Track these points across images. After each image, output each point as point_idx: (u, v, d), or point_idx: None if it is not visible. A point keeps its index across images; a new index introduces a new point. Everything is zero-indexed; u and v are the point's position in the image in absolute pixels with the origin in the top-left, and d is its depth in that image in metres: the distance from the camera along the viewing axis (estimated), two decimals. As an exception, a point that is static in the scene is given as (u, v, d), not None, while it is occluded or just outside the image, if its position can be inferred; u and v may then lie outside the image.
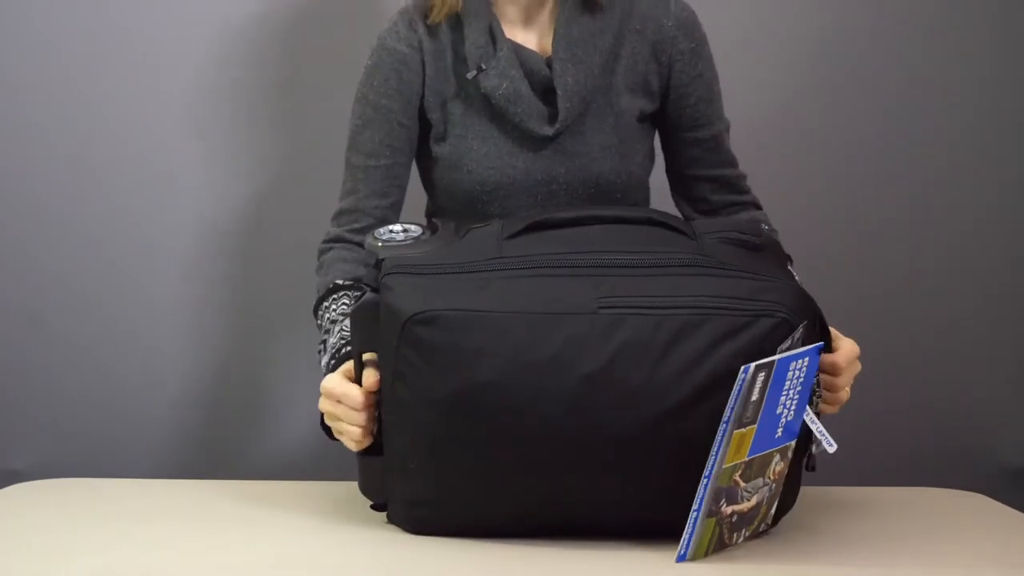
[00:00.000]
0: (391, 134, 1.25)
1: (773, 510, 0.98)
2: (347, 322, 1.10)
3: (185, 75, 1.72)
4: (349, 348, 1.06)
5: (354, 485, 1.07)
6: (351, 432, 1.03)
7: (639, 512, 0.97)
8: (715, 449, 0.88)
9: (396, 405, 0.98)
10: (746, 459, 0.90)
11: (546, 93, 1.22)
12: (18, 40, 1.70)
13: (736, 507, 0.92)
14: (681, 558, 0.92)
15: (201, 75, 1.72)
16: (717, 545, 0.94)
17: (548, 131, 1.22)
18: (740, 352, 0.91)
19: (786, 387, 0.90)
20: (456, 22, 1.24)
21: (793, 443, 0.95)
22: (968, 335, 1.78)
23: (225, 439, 1.76)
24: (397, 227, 1.07)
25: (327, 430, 1.09)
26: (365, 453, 1.04)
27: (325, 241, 1.30)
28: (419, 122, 1.27)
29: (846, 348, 1.07)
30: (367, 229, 1.16)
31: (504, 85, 1.20)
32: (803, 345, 0.93)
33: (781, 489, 0.97)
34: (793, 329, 0.93)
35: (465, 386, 0.93)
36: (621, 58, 1.24)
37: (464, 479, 0.97)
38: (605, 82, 1.23)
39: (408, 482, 1.00)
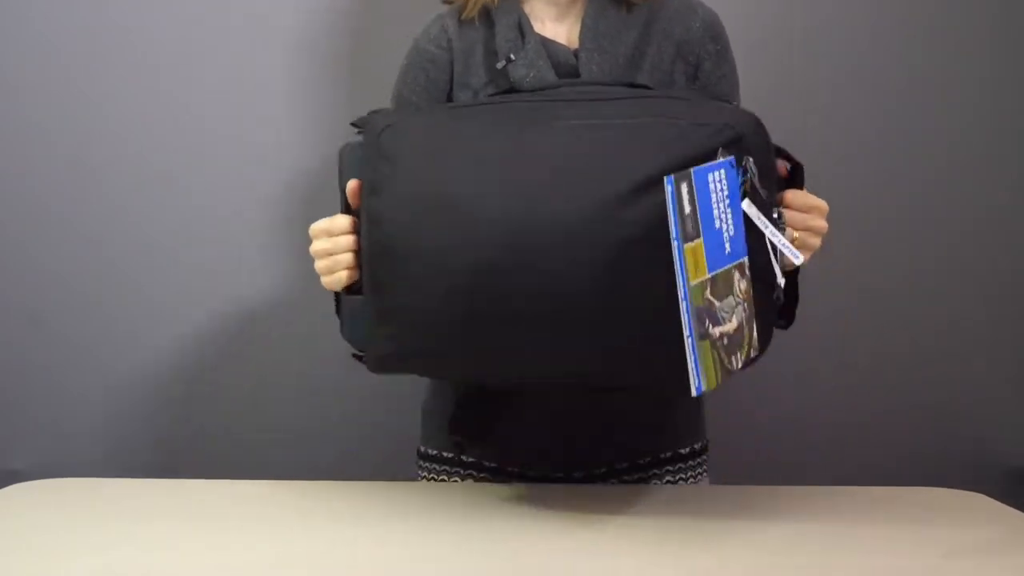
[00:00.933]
0: None
1: (756, 334, 0.97)
2: None
3: (185, 75, 1.72)
4: None
5: (354, 485, 1.07)
6: (342, 260, 1.08)
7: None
8: (678, 268, 0.89)
9: (369, 220, 1.05)
10: (708, 276, 0.91)
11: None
12: (18, 40, 1.70)
13: (722, 328, 0.92)
14: (698, 390, 0.89)
15: (201, 75, 1.72)
16: (722, 372, 0.92)
17: None
18: (685, 160, 0.95)
19: (713, 200, 0.93)
20: (489, 20, 1.28)
21: (745, 260, 0.96)
22: (968, 335, 1.78)
23: (225, 439, 1.76)
24: None
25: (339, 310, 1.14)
26: (349, 293, 1.10)
27: None
28: None
29: (809, 195, 1.09)
30: None
31: (531, 74, 1.22)
32: (761, 176, 0.97)
33: (755, 311, 0.96)
34: (739, 139, 0.97)
35: (432, 187, 1.00)
36: (647, 56, 1.26)
37: (432, 284, 1.00)
38: (630, 76, 1.25)
39: (378, 299, 1.04)
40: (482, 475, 1.31)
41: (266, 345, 1.77)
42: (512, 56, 1.24)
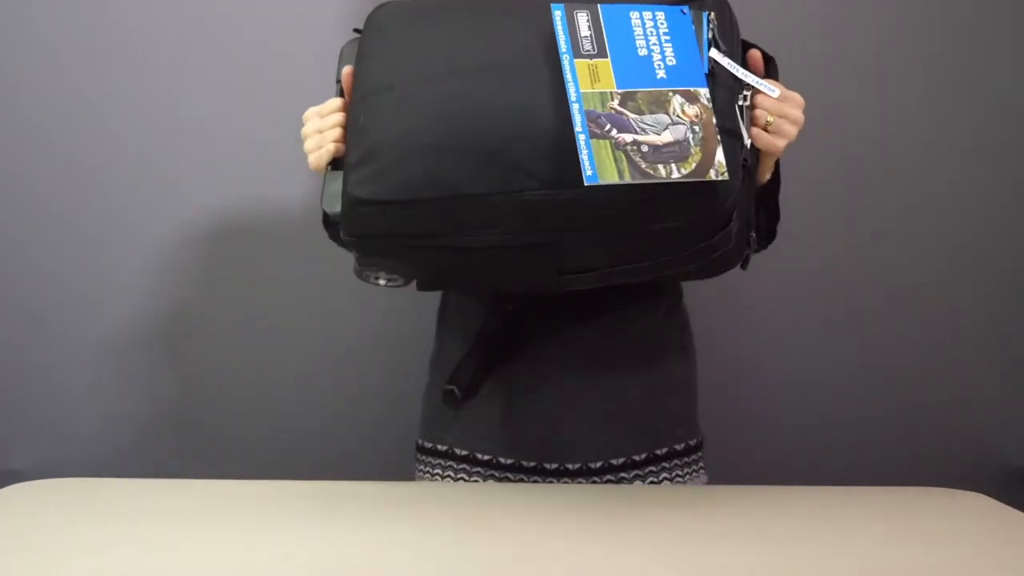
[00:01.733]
0: None
1: (719, 158, 1.02)
2: None
3: (185, 75, 1.72)
4: None
5: (354, 485, 1.08)
6: (329, 135, 1.13)
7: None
8: (567, 77, 1.02)
9: (358, 82, 1.12)
10: (617, 90, 1.02)
11: None
12: (18, 40, 1.70)
13: (639, 137, 1.01)
14: (590, 179, 0.98)
15: (201, 75, 1.72)
16: (635, 171, 0.99)
17: None
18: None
19: (637, 33, 1.05)
20: None
21: (704, 91, 1.03)
22: (968, 335, 1.78)
23: (225, 439, 1.76)
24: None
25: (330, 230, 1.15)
26: (333, 168, 1.14)
27: None
28: None
29: (785, 88, 1.13)
30: None
31: None
32: (722, 36, 1.09)
33: (716, 135, 1.02)
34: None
35: (417, 43, 1.10)
36: None
37: (413, 107, 1.07)
38: None
39: (360, 143, 1.08)
40: (476, 468, 1.32)
41: (267, 345, 1.77)
42: None
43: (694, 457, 1.34)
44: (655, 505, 1.16)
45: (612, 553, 0.98)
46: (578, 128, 1.00)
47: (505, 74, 1.06)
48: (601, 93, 1.02)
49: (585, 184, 0.98)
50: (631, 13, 1.06)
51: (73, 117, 1.71)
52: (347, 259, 1.21)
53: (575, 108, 1.01)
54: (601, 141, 1.00)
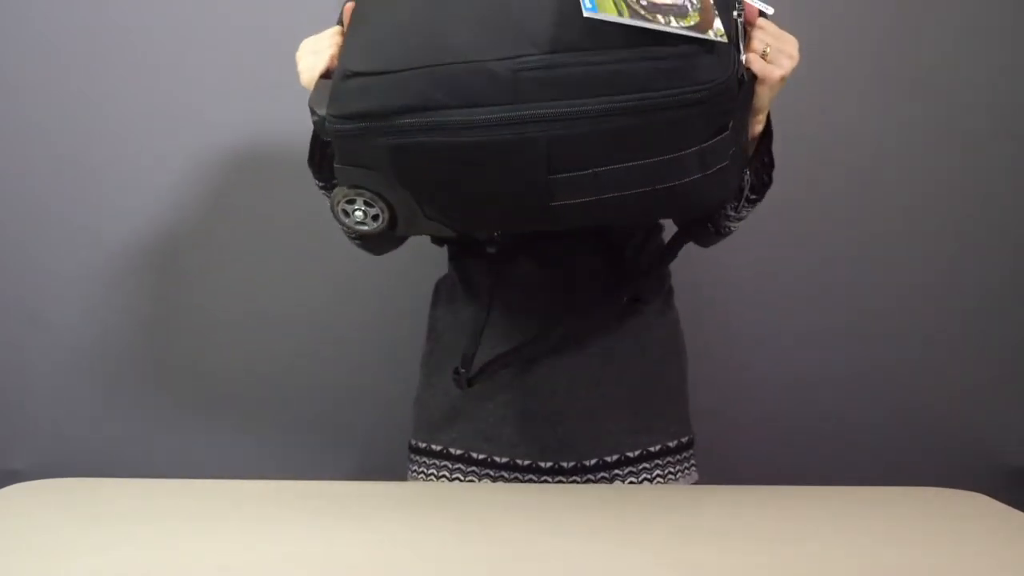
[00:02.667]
0: None
1: (718, 25, 0.97)
2: None
3: (185, 75, 1.72)
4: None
5: (355, 485, 1.07)
6: (325, 54, 1.11)
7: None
8: None
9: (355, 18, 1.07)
10: None
11: None
12: (18, 40, 1.70)
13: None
14: (589, 10, 0.93)
15: (201, 75, 1.72)
16: (633, 13, 0.95)
17: None
18: None
19: None
20: None
21: None
22: (968, 335, 1.78)
23: (226, 439, 1.76)
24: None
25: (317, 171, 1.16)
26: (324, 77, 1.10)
27: None
28: None
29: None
30: None
31: None
32: None
33: (713, 8, 0.98)
34: None
35: None
36: None
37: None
38: None
39: (359, 27, 1.05)
40: (471, 468, 1.32)
41: (267, 344, 1.77)
42: None
43: (686, 455, 1.36)
44: (654, 505, 1.16)
45: (611, 553, 0.98)
46: None
47: None
48: None
49: (584, 15, 0.93)
50: None
51: (73, 117, 1.71)
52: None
53: None
54: None
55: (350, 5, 1.11)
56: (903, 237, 1.77)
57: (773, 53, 1.09)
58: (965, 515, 1.16)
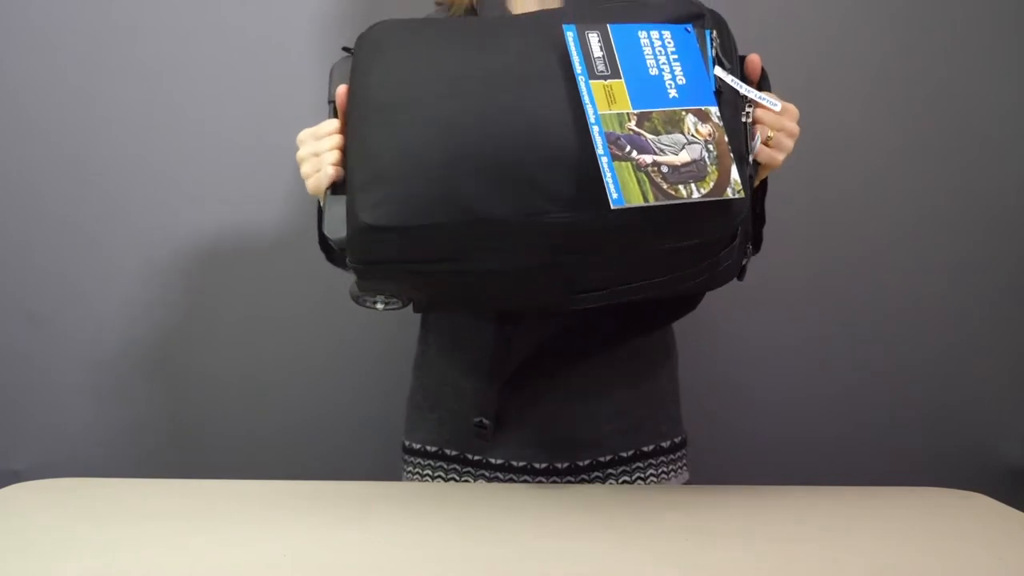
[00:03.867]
0: None
1: (734, 176, 1.02)
2: None
3: (186, 75, 1.72)
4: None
5: (354, 485, 1.07)
6: (328, 157, 1.08)
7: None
8: (585, 98, 1.01)
9: (357, 93, 1.06)
10: (633, 111, 1.02)
11: None
12: (18, 40, 1.70)
13: (658, 158, 1.00)
14: (617, 202, 0.97)
15: (202, 75, 1.72)
16: (657, 192, 0.99)
17: None
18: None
19: (647, 52, 1.05)
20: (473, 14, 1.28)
21: (714, 109, 1.04)
22: (968, 335, 1.78)
23: (225, 439, 1.76)
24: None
25: (326, 249, 1.15)
26: (333, 192, 1.08)
27: None
28: None
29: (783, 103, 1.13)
30: None
31: None
32: (724, 54, 1.09)
33: (729, 152, 1.03)
34: (699, 16, 1.08)
35: (420, 57, 1.06)
36: None
37: (420, 128, 1.02)
38: None
39: (367, 165, 1.03)
40: (466, 468, 1.33)
41: (267, 344, 1.77)
42: None
43: (679, 455, 1.37)
44: (654, 505, 1.16)
45: (607, 552, 0.98)
46: (600, 151, 0.99)
47: (516, 87, 1.02)
48: (618, 114, 1.01)
49: (612, 207, 0.97)
50: (639, 33, 1.06)
51: (73, 117, 1.71)
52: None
53: (595, 131, 1.00)
54: (623, 163, 0.99)
55: (343, 90, 1.09)
56: (903, 238, 1.77)
57: (776, 138, 1.11)
58: (965, 515, 1.16)
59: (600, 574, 0.94)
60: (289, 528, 1.07)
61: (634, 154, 1.00)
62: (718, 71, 1.08)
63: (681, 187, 1.00)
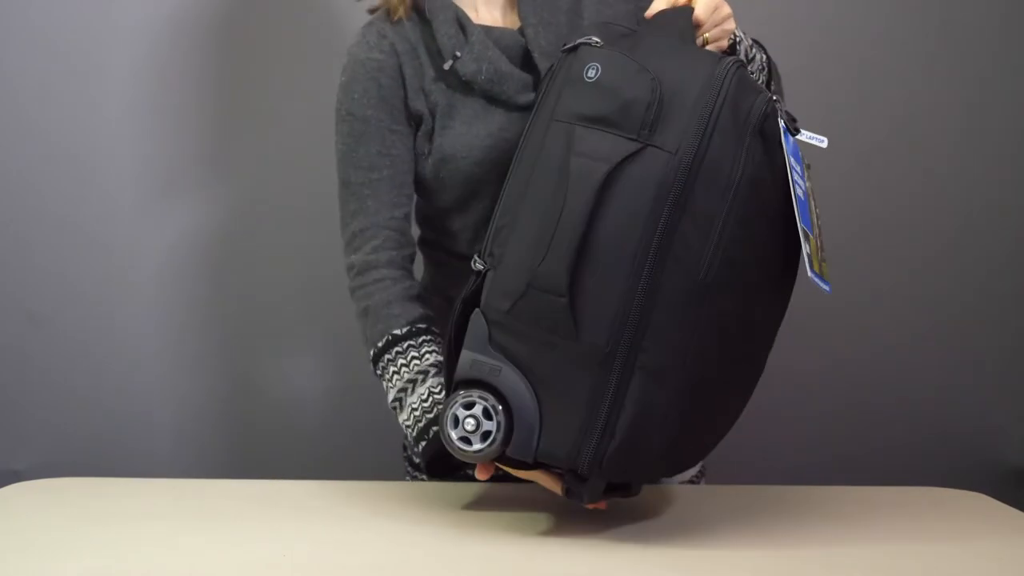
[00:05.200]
0: (385, 143, 1.25)
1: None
2: (429, 384, 1.17)
3: (186, 75, 1.72)
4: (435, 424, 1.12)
5: (354, 485, 1.07)
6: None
7: None
8: (792, 177, 1.00)
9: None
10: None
11: (525, 62, 1.23)
12: (18, 40, 1.70)
13: (819, 233, 1.07)
14: (817, 275, 1.03)
15: (202, 75, 1.72)
16: (820, 261, 1.04)
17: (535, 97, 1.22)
18: None
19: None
20: (422, 19, 1.25)
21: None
22: (968, 335, 1.78)
23: (226, 439, 1.76)
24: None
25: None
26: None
27: (353, 275, 1.26)
28: (408, 125, 1.27)
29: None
30: (386, 246, 1.22)
31: (484, 68, 1.20)
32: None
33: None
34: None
35: None
36: (585, 8, 1.25)
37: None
38: (574, 37, 1.23)
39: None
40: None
41: (268, 344, 1.77)
42: (458, 53, 1.21)
43: None
44: (654, 504, 1.16)
45: (611, 553, 0.98)
46: (801, 223, 1.01)
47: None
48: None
49: (823, 285, 1.06)
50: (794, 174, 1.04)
51: (73, 117, 1.71)
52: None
53: (799, 203, 1.02)
54: (812, 240, 1.05)
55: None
56: (903, 237, 1.77)
57: (714, 35, 1.12)
58: (965, 515, 1.16)
59: (600, 574, 0.94)
60: (289, 528, 1.07)
61: (810, 229, 1.05)
62: (801, 136, 1.06)
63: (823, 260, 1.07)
